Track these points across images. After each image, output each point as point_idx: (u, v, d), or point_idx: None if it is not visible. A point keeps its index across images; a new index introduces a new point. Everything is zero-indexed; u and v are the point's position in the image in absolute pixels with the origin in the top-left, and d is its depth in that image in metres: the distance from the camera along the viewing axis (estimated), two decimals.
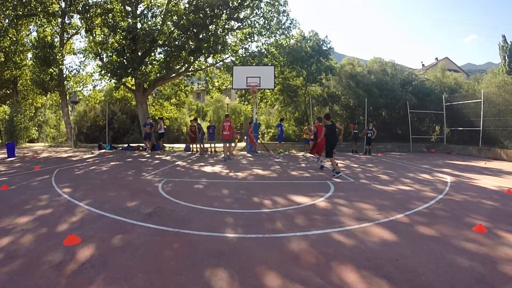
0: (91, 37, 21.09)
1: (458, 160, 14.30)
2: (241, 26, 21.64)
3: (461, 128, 18.41)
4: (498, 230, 4.52)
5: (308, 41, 22.75)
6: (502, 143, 15.27)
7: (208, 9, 19.46)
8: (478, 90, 18.31)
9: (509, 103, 15.22)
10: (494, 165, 12.65)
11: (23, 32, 23.12)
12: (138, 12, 21.11)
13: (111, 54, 20.46)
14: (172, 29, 20.55)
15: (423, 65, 50.80)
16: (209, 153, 17.71)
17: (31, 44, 22.59)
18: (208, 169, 11.09)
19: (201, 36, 19.74)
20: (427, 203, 6.16)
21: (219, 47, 20.20)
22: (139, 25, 20.47)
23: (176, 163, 12.57)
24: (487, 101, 16.40)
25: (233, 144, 15.54)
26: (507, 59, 38.20)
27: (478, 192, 7.28)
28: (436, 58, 48.46)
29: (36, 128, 26.25)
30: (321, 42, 22.65)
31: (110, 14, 19.79)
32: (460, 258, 3.57)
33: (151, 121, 18.97)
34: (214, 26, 20.44)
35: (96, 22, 20.40)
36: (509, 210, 5.65)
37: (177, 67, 22.07)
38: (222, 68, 23.48)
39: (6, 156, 13.48)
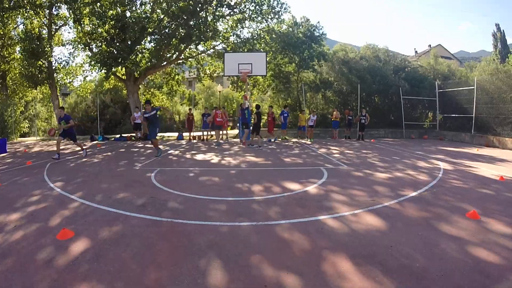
0: (79, 28, 20.65)
1: (450, 147, 14.40)
2: (232, 13, 21.37)
3: (454, 115, 18.48)
4: (492, 217, 4.53)
5: (300, 27, 22.55)
6: (494, 130, 15.37)
7: None
8: (471, 78, 18.36)
9: (502, 90, 15.27)
10: (487, 151, 12.74)
11: (10, 25, 22.56)
12: (126, 1, 20.70)
13: (100, 44, 20.11)
14: (161, 16, 20.24)
15: (416, 52, 50.67)
16: (202, 140, 17.70)
17: (18, 37, 22.09)
18: (200, 157, 11.05)
19: (191, 23, 19.45)
20: (421, 189, 6.18)
21: (210, 34, 19.96)
22: (128, 14, 20.11)
23: (169, 152, 12.50)
24: (480, 88, 16.44)
25: (224, 132, 17.78)
26: (500, 48, 38.37)
27: (471, 178, 7.32)
28: (429, 45, 48.38)
29: (27, 122, 25.87)
30: (313, 28, 22.41)
31: (98, 3, 19.37)
32: (454, 245, 3.58)
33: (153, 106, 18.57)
34: (204, 12, 20.15)
35: (84, 12, 19.95)
36: (502, 196, 5.67)
37: (168, 55, 21.81)
38: (213, 56, 23.26)
39: None
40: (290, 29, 22.54)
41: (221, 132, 16.26)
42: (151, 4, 20.84)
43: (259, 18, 21.29)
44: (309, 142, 16.56)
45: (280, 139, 18.23)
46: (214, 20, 20.51)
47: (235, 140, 18.45)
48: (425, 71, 23.54)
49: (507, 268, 3.06)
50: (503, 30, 38.64)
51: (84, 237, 3.86)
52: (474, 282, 2.81)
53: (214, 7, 20.52)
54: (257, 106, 14.92)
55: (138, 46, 20.29)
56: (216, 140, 15.69)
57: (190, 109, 19.67)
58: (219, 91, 31.40)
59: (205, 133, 18.28)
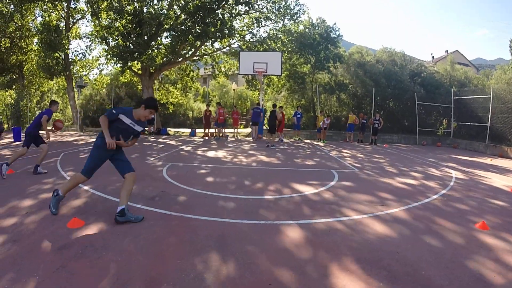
0: (97, 22, 20.97)
1: (464, 155, 14.16)
2: (249, 11, 21.40)
3: (469, 123, 18.17)
4: (501, 229, 4.43)
5: (317, 28, 22.47)
6: (509, 141, 15.08)
7: None
8: (488, 86, 18.04)
9: None
10: (500, 162, 12.49)
11: (29, 17, 22.98)
12: None
13: (117, 38, 20.37)
14: (178, 13, 20.41)
15: (432, 57, 49.95)
16: (215, 137, 17.81)
17: (36, 29, 22.49)
18: (212, 154, 11.11)
19: (207, 21, 19.57)
20: (431, 197, 6.09)
21: (226, 31, 20.03)
22: (145, 9, 20.33)
23: (181, 147, 12.59)
24: (496, 97, 16.14)
25: (236, 130, 19.58)
26: None
27: (483, 189, 7.18)
28: (447, 51, 47.62)
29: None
30: (330, 30, 22.35)
31: None
32: (461, 255, 3.51)
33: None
34: (221, 10, 20.23)
35: (102, 6, 20.26)
36: None
37: (184, 52, 21.95)
38: (228, 54, 23.34)
39: (13, 140, 13.55)
40: (307, 30, 22.48)
41: (221, 128, 18.04)
42: (169, 0, 20.98)
43: (276, 18, 21.28)
44: (322, 144, 16.51)
45: (292, 140, 18.26)
46: (231, 18, 20.57)
47: (247, 138, 18.52)
48: (441, 77, 23.21)
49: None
50: None
51: (94, 226, 3.90)
52: None
53: (231, 5, 20.56)
54: (274, 105, 15.97)
55: (154, 42, 20.49)
56: (216, 136, 17.85)
57: (207, 105, 19.71)
58: (234, 89, 31.48)
59: (217, 130, 18.35)
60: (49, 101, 8.19)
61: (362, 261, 3.28)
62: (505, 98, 15.85)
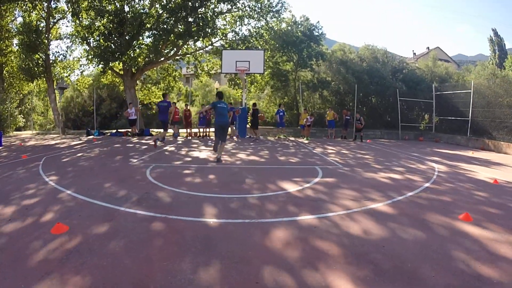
0: (77, 22, 20.58)
1: (446, 149, 14.46)
2: (231, 9, 21.34)
3: (450, 118, 18.55)
4: (485, 219, 4.56)
5: (299, 26, 22.57)
6: (490, 134, 15.47)
7: None
8: (468, 81, 18.45)
9: (498, 95, 15.38)
10: (482, 155, 12.81)
11: (8, 18, 22.41)
12: None
13: (98, 38, 20.04)
14: (160, 12, 20.19)
15: (414, 53, 50.79)
16: (199, 137, 17.67)
17: (16, 29, 21.95)
18: (196, 154, 11.04)
19: (190, 19, 19.42)
20: (415, 190, 6.21)
21: (209, 30, 19.92)
22: (126, 8, 20.06)
23: (164, 148, 12.48)
24: (477, 92, 16.54)
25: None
26: (497, 52, 38.60)
27: (466, 181, 7.35)
28: (428, 48, 48.52)
29: (22, 116, 25.74)
30: (313, 28, 22.45)
31: None
32: (446, 246, 3.61)
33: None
34: (203, 9, 20.11)
35: (83, 5, 19.89)
36: (495, 200, 5.70)
37: (166, 51, 21.75)
38: (211, 52, 23.23)
39: None
40: (289, 27, 22.55)
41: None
42: None
43: (258, 16, 21.27)
44: (306, 141, 16.61)
45: (276, 137, 18.31)
46: (213, 17, 20.47)
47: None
48: (422, 73, 23.64)
49: (497, 271, 3.09)
50: (500, 35, 38.89)
51: (78, 231, 3.85)
52: (465, 284, 2.83)
53: (214, 3, 20.47)
54: (254, 104, 16.82)
55: (136, 41, 20.23)
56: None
57: (186, 105, 19.52)
58: (216, 88, 31.34)
59: (201, 130, 18.21)
60: (163, 94, 13.65)
61: (348, 256, 3.33)
62: (485, 92, 16.25)
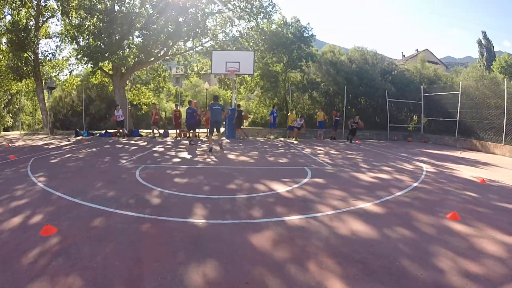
0: (67, 20, 20.40)
1: (434, 149, 14.66)
2: (221, 10, 21.33)
3: (439, 119, 18.80)
4: (472, 218, 4.66)
5: (290, 28, 22.64)
6: (477, 134, 15.73)
7: None
8: (457, 83, 18.73)
9: (486, 96, 15.63)
10: (469, 155, 13.02)
11: None
12: None
13: (87, 37, 19.86)
14: (150, 11, 20.06)
15: (403, 55, 51.24)
16: (188, 138, 17.58)
17: (5, 28, 21.60)
18: (185, 155, 11.03)
19: (180, 20, 19.34)
20: (403, 190, 6.30)
21: (199, 31, 19.87)
22: (116, 8, 19.90)
23: (153, 149, 12.43)
24: (465, 93, 16.78)
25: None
26: (485, 55, 39.25)
27: (453, 181, 7.48)
28: (417, 50, 49.01)
29: (11, 116, 25.36)
30: (303, 29, 22.57)
31: None
32: (434, 245, 3.68)
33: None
34: (194, 9, 20.06)
35: (73, 4, 19.71)
36: (483, 199, 5.82)
37: (156, 51, 21.64)
38: (201, 53, 23.18)
39: None
40: (280, 29, 22.62)
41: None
42: None
43: (248, 17, 21.28)
44: (295, 142, 16.68)
45: (266, 138, 18.39)
46: (204, 17, 20.43)
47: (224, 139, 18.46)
48: (411, 75, 23.91)
49: (484, 268, 3.16)
50: (489, 38, 39.59)
51: (67, 233, 3.83)
52: (453, 281, 2.90)
53: (204, 4, 20.43)
54: (238, 105, 17.79)
55: (125, 41, 20.09)
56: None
57: (176, 106, 19.40)
58: (206, 89, 31.28)
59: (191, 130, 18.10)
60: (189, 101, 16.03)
61: (337, 255, 3.38)
62: (473, 94, 16.49)
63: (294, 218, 4.53)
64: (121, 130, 18.18)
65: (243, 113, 18.36)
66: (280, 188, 6.29)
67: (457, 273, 3.04)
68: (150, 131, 19.59)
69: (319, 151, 12.69)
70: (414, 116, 22.04)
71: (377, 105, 21.97)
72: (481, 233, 4.10)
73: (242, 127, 18.21)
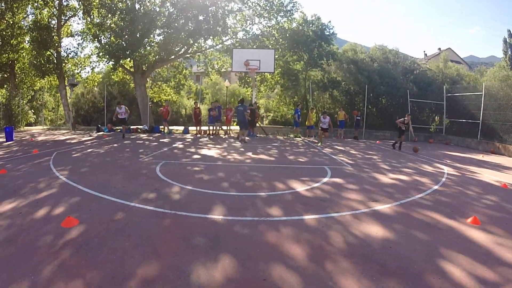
0: (88, 19, 20.81)
1: (456, 152, 14.30)
2: (242, 8, 21.36)
3: (461, 120, 18.34)
4: (492, 224, 4.51)
5: (311, 25, 22.44)
6: (500, 137, 15.23)
7: None
8: (480, 83, 18.20)
9: (510, 97, 15.11)
10: (492, 158, 12.63)
11: (20, 15, 22.72)
12: None
13: (109, 35, 20.23)
14: (171, 10, 20.27)
15: (425, 54, 50.24)
16: (209, 135, 17.70)
17: (28, 26, 22.25)
18: (205, 151, 11.09)
19: (200, 18, 19.47)
20: (423, 193, 6.16)
21: (219, 29, 19.96)
22: (137, 6, 20.18)
23: (174, 145, 12.56)
24: (488, 94, 16.27)
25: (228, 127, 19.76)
26: (510, 54, 37.95)
27: (475, 185, 7.26)
28: (439, 49, 47.93)
29: (33, 111, 26.11)
30: (324, 27, 22.33)
31: None
32: (452, 249, 3.57)
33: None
34: (214, 7, 20.16)
35: (94, 3, 20.11)
36: (504, 204, 5.63)
37: (176, 49, 21.84)
38: (221, 51, 23.26)
39: (5, 140, 13.41)
40: (300, 27, 22.47)
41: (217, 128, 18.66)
42: None
43: (269, 15, 21.24)
44: (319, 145, 15.91)
45: (286, 136, 18.37)
46: (224, 16, 20.50)
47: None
48: (433, 75, 23.36)
49: (503, 275, 3.06)
50: None
51: (88, 225, 3.90)
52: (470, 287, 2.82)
53: (224, 2, 20.50)
54: (250, 104, 18.11)
55: (147, 39, 20.36)
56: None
57: (195, 103, 19.49)
58: (226, 87, 31.43)
59: (211, 127, 18.23)
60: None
61: (355, 256, 3.33)
62: (496, 95, 15.98)
63: (312, 217, 4.48)
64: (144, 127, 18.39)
65: (256, 111, 18.32)
66: (300, 187, 6.24)
67: (474, 280, 2.94)
68: (172, 128, 19.84)
69: (339, 151, 12.56)
70: (436, 117, 21.55)
71: (398, 104, 21.55)
72: (500, 239, 3.95)
73: (261, 125, 17.93)
